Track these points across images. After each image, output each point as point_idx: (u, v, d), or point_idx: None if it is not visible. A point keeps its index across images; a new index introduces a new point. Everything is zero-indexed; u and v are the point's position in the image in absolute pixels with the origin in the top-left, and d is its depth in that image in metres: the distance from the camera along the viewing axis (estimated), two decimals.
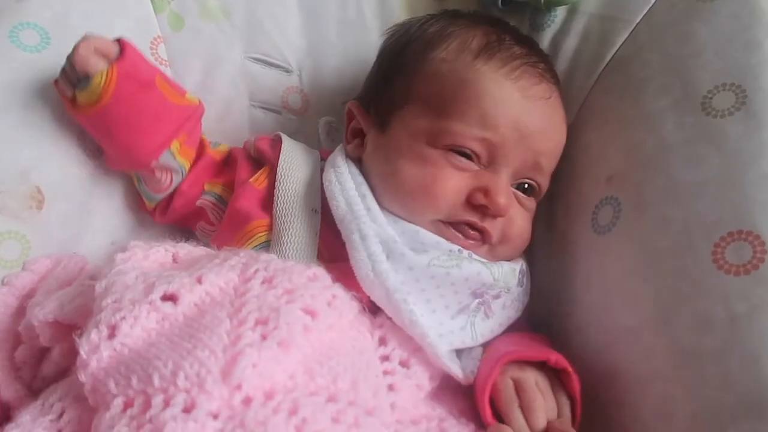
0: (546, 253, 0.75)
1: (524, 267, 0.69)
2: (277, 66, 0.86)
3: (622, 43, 0.73)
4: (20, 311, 0.58)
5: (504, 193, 0.64)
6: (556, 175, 0.71)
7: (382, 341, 0.57)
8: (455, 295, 0.62)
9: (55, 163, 0.68)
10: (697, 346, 0.52)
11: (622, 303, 0.61)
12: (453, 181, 0.64)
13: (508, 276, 0.65)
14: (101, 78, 0.63)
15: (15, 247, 0.63)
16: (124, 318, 0.45)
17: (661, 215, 0.59)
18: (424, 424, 0.52)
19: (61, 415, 0.45)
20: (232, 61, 0.84)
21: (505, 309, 0.66)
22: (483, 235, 0.65)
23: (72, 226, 0.69)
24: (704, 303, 0.53)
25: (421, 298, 0.60)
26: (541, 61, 0.70)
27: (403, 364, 0.56)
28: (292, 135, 0.82)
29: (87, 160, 0.71)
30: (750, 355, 0.49)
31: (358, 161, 0.70)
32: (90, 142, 0.71)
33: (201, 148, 0.77)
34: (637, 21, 0.72)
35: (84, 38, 0.64)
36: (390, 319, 0.59)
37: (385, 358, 0.56)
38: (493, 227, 0.65)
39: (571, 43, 0.78)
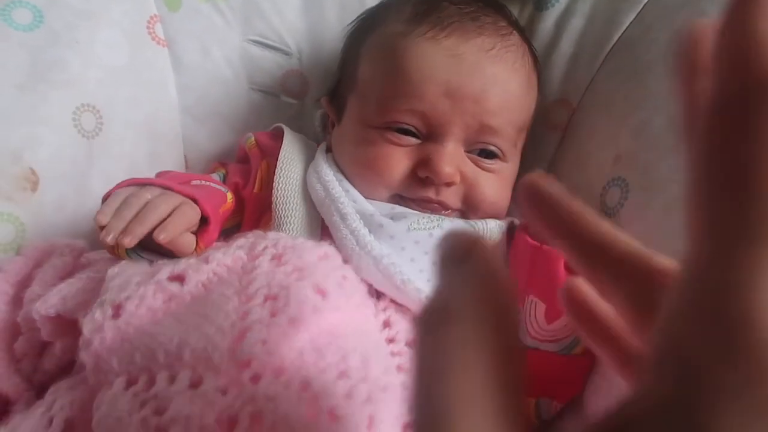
0: None
1: (516, 223, 0.68)
2: (276, 48, 0.84)
3: (629, 24, 0.72)
4: (16, 299, 0.56)
5: (447, 162, 0.62)
6: (562, 157, 0.70)
7: (387, 324, 0.56)
8: None
9: (50, 144, 0.66)
10: None
11: None
12: (394, 158, 0.63)
13: (494, 232, 0.64)
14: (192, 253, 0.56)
15: (9, 230, 0.61)
16: (129, 297, 0.44)
17: (672, 196, 0.58)
18: None
19: (52, 405, 0.43)
20: (230, 43, 0.83)
21: None
22: (442, 206, 0.64)
23: (68, 209, 0.67)
24: None
25: (414, 269, 0.59)
26: (486, 14, 0.66)
27: (410, 344, 0.55)
28: (292, 119, 0.81)
29: (82, 140, 0.69)
30: None
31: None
32: (86, 123, 0.70)
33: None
34: (645, 1, 0.71)
35: (170, 223, 0.53)
36: (393, 302, 0.58)
37: (391, 340, 0.55)
38: (449, 197, 0.64)
39: (576, 24, 0.77)
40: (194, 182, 0.67)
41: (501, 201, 0.67)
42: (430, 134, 0.63)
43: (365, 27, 0.73)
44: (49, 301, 0.49)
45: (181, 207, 0.55)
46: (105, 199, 0.56)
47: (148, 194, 0.55)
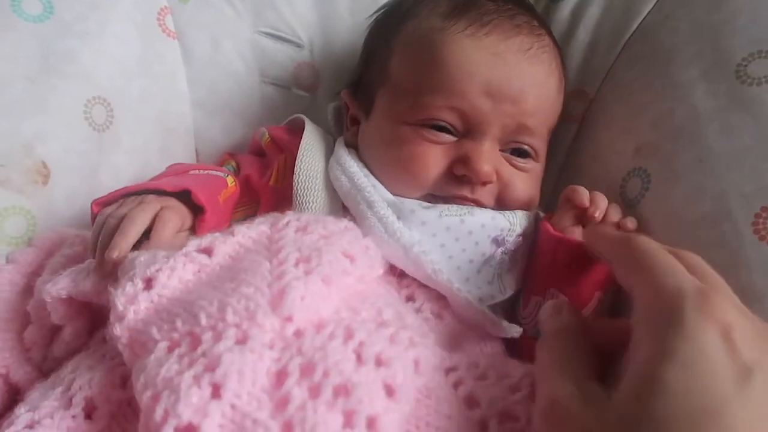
0: None
1: (541, 215, 0.66)
2: (288, 40, 0.83)
3: (648, 12, 0.70)
4: (27, 289, 0.55)
5: (486, 160, 0.61)
6: (579, 148, 0.69)
7: (410, 298, 0.57)
8: (476, 247, 0.59)
9: (60, 137, 0.65)
10: None
11: None
12: (430, 156, 0.61)
13: (522, 220, 0.62)
14: None
15: (20, 223, 0.60)
16: (160, 270, 0.43)
17: (695, 186, 0.57)
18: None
19: (71, 384, 0.43)
20: (241, 35, 0.82)
21: (524, 257, 0.63)
22: (477, 204, 0.63)
23: (78, 202, 0.66)
24: (745, 275, 0.51)
25: (443, 255, 0.58)
26: (520, 13, 0.66)
27: (436, 315, 0.56)
28: (304, 113, 0.80)
29: (93, 133, 0.68)
30: None
31: (356, 149, 0.69)
32: (97, 116, 0.69)
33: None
34: None
35: (125, 240, 0.51)
36: (416, 280, 0.58)
37: (417, 311, 0.55)
38: (484, 196, 0.62)
39: (593, 13, 0.75)
40: (192, 172, 0.66)
41: (532, 200, 0.66)
42: (467, 132, 0.62)
43: (395, 19, 0.70)
44: (60, 284, 0.48)
45: (161, 214, 0.54)
46: (99, 206, 0.56)
47: (124, 210, 0.54)
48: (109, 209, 0.55)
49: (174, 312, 0.41)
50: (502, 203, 0.64)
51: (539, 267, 0.62)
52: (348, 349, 0.38)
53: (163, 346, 0.39)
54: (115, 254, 0.49)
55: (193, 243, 0.46)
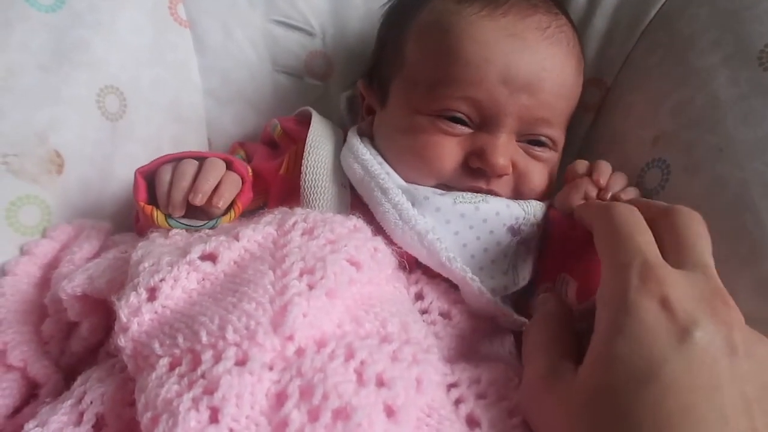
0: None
1: (553, 204, 0.65)
2: (300, 29, 0.83)
3: None
4: (44, 281, 0.55)
5: (502, 153, 0.60)
6: (596, 138, 0.68)
7: (419, 296, 0.56)
8: (491, 235, 0.58)
9: (73, 126, 0.65)
10: (760, 312, 0.49)
11: None
12: (445, 148, 0.60)
13: (537, 209, 0.62)
14: (229, 218, 0.58)
15: (35, 213, 0.60)
16: (163, 279, 0.43)
17: (716, 175, 0.56)
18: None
19: (82, 398, 0.42)
20: (253, 24, 0.81)
21: (538, 247, 0.63)
22: (492, 195, 0.62)
23: (93, 192, 0.66)
24: (767, 265, 0.50)
25: (457, 243, 0.57)
26: None
27: (444, 315, 0.55)
28: (316, 102, 0.79)
29: (106, 122, 0.68)
30: None
31: (371, 139, 0.68)
32: (110, 105, 0.68)
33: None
34: None
35: (226, 191, 0.56)
36: (425, 275, 0.57)
37: (424, 311, 0.54)
38: (500, 187, 0.62)
39: (610, 0, 0.74)
40: None
41: (547, 189, 0.65)
42: (483, 124, 0.61)
43: (409, 6, 0.69)
44: (75, 281, 0.48)
45: (228, 174, 0.58)
46: (142, 174, 0.58)
47: (190, 166, 0.57)
48: (169, 166, 0.57)
49: (176, 326, 0.40)
50: (518, 193, 0.63)
51: (549, 253, 0.61)
52: (349, 370, 0.38)
53: (164, 362, 0.39)
54: (198, 199, 0.53)
55: (197, 249, 0.45)
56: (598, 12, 0.74)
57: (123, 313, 0.41)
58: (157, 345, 0.40)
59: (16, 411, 0.46)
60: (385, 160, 0.64)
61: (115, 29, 0.71)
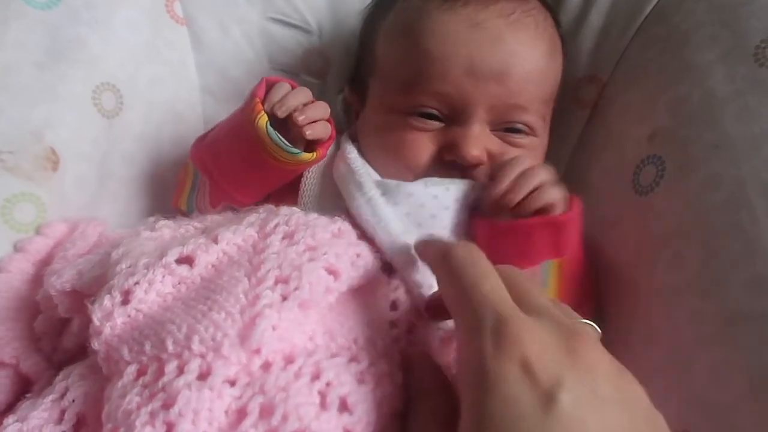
0: None
1: None
2: (297, 26, 0.83)
3: None
4: (37, 278, 0.55)
5: (473, 144, 0.60)
6: (591, 134, 0.67)
7: (394, 306, 0.54)
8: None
9: (69, 123, 0.65)
10: (754, 309, 0.49)
11: (664, 264, 0.57)
12: (419, 144, 0.61)
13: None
14: (311, 157, 0.60)
15: (30, 210, 0.60)
16: (137, 283, 0.42)
17: (712, 172, 0.55)
18: None
19: (64, 394, 0.42)
20: (250, 21, 0.81)
21: None
22: None
23: (88, 189, 0.66)
24: (762, 263, 0.50)
25: (437, 226, 0.57)
26: None
27: (410, 330, 0.53)
28: None
29: (102, 120, 0.68)
30: None
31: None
32: (106, 102, 0.69)
33: None
34: None
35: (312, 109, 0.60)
36: (404, 280, 0.55)
37: (394, 325, 0.53)
38: (478, 177, 0.61)
39: None
40: None
41: None
42: (454, 117, 0.61)
43: (380, 6, 0.71)
44: (64, 276, 0.48)
45: (326, 122, 0.62)
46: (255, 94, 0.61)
47: (309, 95, 0.62)
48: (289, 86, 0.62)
49: (145, 333, 0.40)
50: None
51: None
52: (313, 391, 0.37)
53: (131, 370, 0.38)
54: (302, 119, 0.58)
55: (174, 251, 0.44)
56: (594, 8, 0.74)
57: (96, 317, 0.41)
58: (126, 351, 0.39)
59: (9, 407, 0.46)
60: (367, 160, 0.64)
61: (111, 27, 0.71)
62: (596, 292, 0.64)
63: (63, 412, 0.40)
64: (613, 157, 0.68)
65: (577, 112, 0.76)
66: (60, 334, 0.52)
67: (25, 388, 0.49)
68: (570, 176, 0.69)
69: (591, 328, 0.38)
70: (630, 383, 0.34)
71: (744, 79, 0.57)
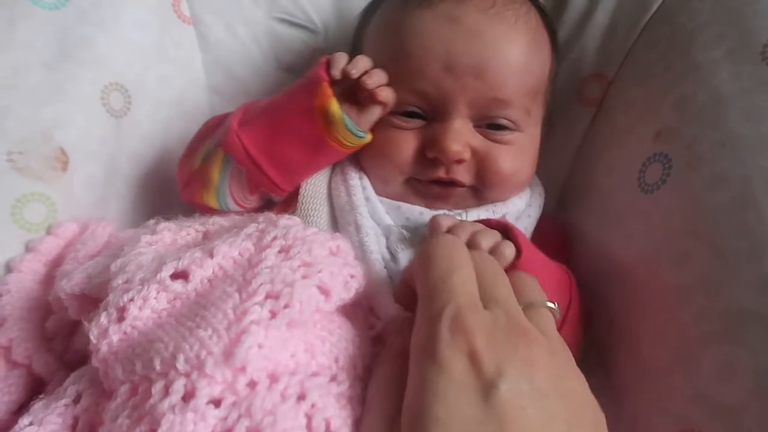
0: (582, 211, 0.72)
1: (541, 191, 0.67)
2: (302, 26, 0.83)
3: None
4: (49, 279, 0.56)
5: (454, 139, 0.60)
6: (597, 132, 0.67)
7: (372, 325, 0.53)
8: None
9: (78, 123, 0.65)
10: (761, 308, 0.49)
11: (670, 263, 0.57)
12: (401, 142, 0.62)
13: (519, 209, 0.64)
14: (369, 140, 0.62)
15: (40, 210, 0.61)
16: (132, 300, 0.41)
17: (718, 171, 0.55)
18: None
19: (77, 400, 0.42)
20: (256, 21, 0.81)
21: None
22: (456, 184, 0.62)
23: (97, 189, 0.67)
24: None
25: None
26: None
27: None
28: None
29: (110, 119, 0.69)
30: None
31: None
32: (114, 102, 0.69)
33: None
34: None
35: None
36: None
37: (376, 341, 0.53)
38: (461, 174, 0.62)
39: None
40: None
41: (520, 173, 0.64)
42: (435, 113, 0.62)
43: (367, 10, 0.71)
44: (74, 279, 0.48)
45: None
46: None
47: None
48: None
49: (137, 351, 0.39)
50: (484, 179, 0.63)
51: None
52: (299, 413, 0.36)
53: (124, 390, 0.38)
54: (370, 81, 0.58)
55: (170, 266, 0.44)
56: (600, 6, 0.74)
57: (92, 335, 0.41)
58: (120, 370, 0.39)
59: (22, 407, 0.47)
60: (360, 162, 0.65)
61: (119, 26, 0.71)
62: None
63: (77, 419, 0.40)
64: (619, 155, 0.68)
65: (583, 110, 0.76)
66: (71, 335, 0.52)
67: (37, 388, 0.49)
68: (575, 174, 0.69)
69: (547, 312, 0.42)
70: (570, 380, 0.38)
71: (750, 77, 0.57)
